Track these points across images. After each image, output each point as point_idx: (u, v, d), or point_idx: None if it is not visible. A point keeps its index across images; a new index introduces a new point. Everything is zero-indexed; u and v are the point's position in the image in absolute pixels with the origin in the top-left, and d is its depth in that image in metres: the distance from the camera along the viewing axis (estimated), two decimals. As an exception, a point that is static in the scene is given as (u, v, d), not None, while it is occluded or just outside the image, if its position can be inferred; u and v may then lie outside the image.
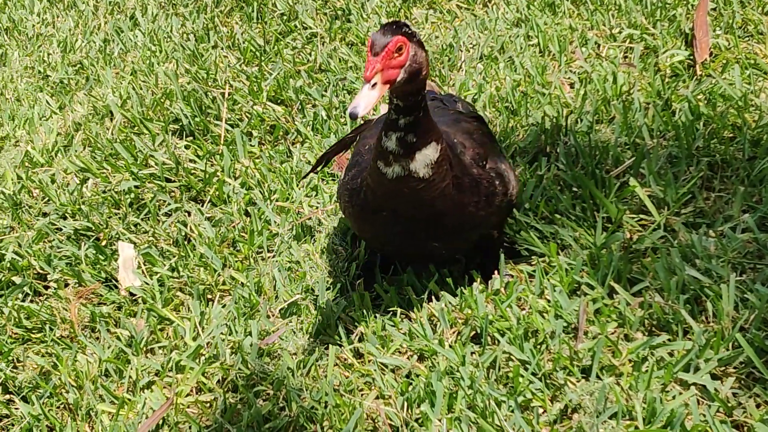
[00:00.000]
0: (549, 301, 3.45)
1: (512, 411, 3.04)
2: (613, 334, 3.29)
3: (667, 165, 3.93)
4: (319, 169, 4.09)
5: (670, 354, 3.17)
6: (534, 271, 3.60)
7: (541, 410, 3.09)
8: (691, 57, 4.74)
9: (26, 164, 5.16)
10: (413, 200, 3.21)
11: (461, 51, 5.32)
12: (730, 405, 2.95)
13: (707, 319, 3.26)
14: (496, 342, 3.33)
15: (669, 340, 3.22)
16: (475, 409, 3.09)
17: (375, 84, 2.86)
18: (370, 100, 2.84)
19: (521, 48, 5.19)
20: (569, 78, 4.88)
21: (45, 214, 4.68)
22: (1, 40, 7.02)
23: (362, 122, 4.16)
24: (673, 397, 3.02)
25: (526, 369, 3.19)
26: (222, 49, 5.94)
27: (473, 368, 3.24)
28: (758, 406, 2.96)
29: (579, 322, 3.32)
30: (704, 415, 2.94)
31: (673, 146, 4.03)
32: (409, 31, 2.92)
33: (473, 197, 3.34)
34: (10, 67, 6.53)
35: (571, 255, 3.64)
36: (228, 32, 6.10)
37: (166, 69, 5.67)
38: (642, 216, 3.76)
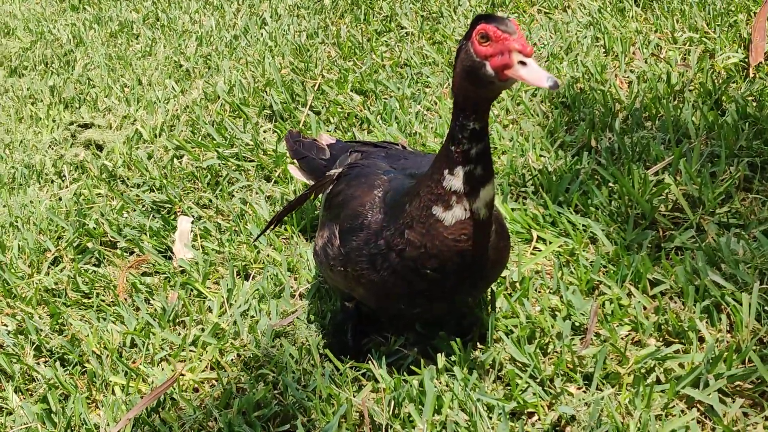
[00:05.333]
0: (562, 299, 2.64)
1: (500, 419, 2.24)
2: (625, 339, 2.48)
3: (708, 164, 3.09)
4: (272, 228, 3.01)
5: (681, 365, 2.34)
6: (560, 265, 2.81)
7: (535, 418, 2.30)
8: (746, 60, 3.84)
9: (132, 141, 4.52)
10: (468, 250, 2.14)
11: (532, 50, 4.47)
12: (735, 430, 2.12)
13: (728, 329, 2.43)
14: (502, 341, 2.53)
15: (684, 350, 2.40)
16: (466, 412, 2.30)
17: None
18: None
19: (587, 48, 4.33)
20: (627, 77, 4.01)
21: (139, 186, 4.02)
22: (155, 35, 6.42)
23: (313, 183, 3.13)
24: (677, 415, 2.20)
25: (524, 372, 2.39)
26: (327, 45, 5.21)
27: (471, 368, 2.44)
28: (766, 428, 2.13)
29: (588, 325, 2.51)
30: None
31: (716, 145, 3.19)
32: None
33: (503, 240, 2.33)
34: (155, 58, 5.92)
35: (597, 250, 2.83)
36: (335, 30, 5.37)
37: (273, 62, 4.97)
38: (677, 214, 2.93)
